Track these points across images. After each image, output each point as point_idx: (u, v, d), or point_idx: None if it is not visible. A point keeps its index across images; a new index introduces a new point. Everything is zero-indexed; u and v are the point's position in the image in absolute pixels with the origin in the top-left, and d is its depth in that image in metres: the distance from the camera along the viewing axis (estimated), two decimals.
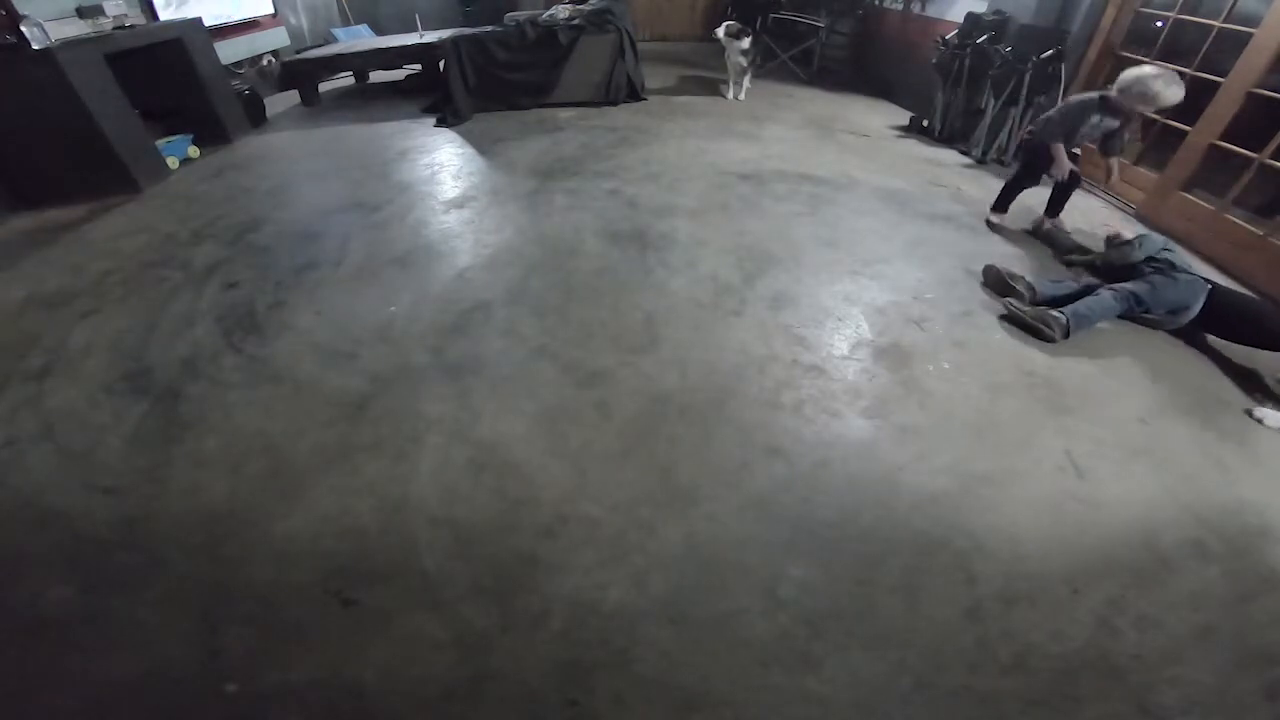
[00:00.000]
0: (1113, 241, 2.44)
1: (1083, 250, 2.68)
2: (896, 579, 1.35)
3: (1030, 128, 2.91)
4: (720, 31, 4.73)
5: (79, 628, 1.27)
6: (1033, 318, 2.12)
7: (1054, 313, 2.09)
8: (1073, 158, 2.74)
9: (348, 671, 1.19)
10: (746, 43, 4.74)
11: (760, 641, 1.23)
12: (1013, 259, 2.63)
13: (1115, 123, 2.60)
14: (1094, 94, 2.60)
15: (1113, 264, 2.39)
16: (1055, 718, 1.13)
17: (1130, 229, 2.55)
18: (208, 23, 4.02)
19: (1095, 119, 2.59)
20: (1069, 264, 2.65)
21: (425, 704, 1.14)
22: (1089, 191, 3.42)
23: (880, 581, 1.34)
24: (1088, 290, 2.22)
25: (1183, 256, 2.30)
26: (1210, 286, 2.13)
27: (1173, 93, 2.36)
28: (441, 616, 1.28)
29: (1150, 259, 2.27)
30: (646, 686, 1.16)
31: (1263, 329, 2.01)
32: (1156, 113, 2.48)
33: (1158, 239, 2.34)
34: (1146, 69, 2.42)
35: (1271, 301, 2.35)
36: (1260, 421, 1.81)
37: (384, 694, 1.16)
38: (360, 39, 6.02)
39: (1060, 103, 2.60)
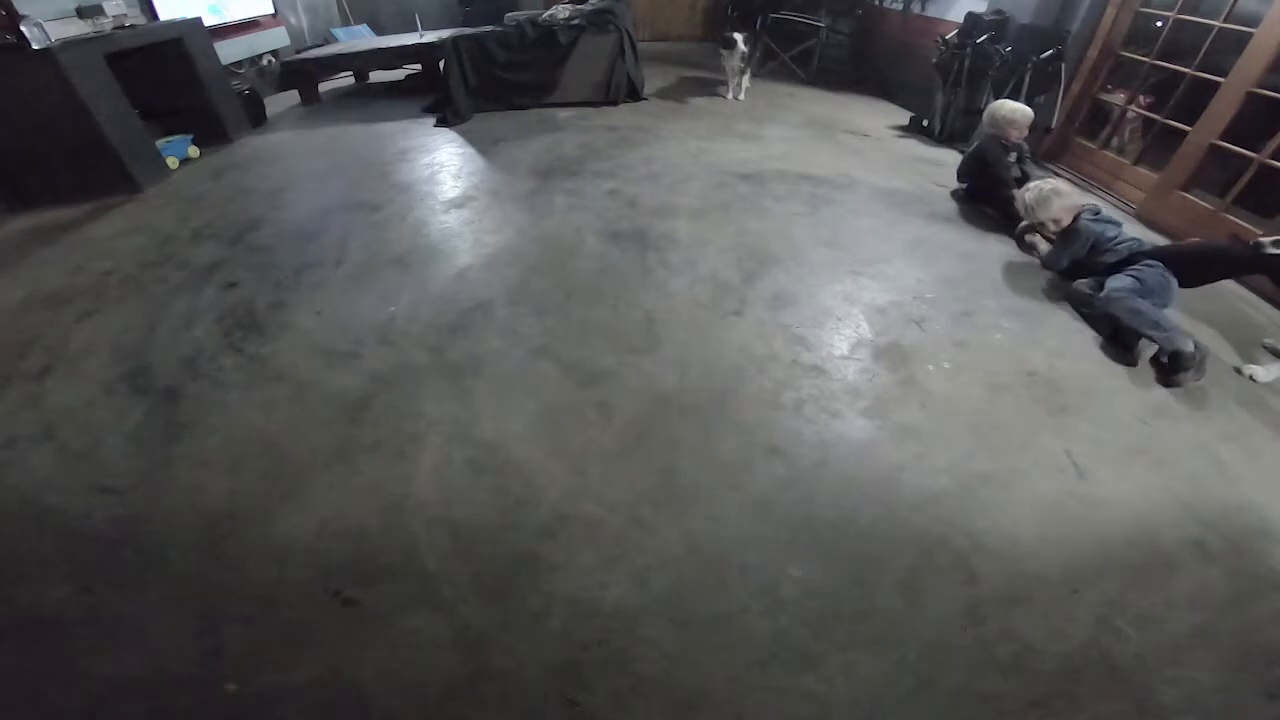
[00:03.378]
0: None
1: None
2: (896, 579, 1.35)
3: (961, 188, 3.27)
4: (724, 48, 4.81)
5: (79, 628, 1.27)
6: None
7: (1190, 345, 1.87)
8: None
9: (348, 671, 1.19)
10: (738, 50, 4.74)
11: (760, 641, 1.23)
12: (1013, 257, 2.63)
13: (1015, 156, 3.05)
14: (985, 137, 3.06)
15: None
16: (1055, 718, 1.13)
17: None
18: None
19: (1009, 158, 3.02)
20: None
21: (425, 704, 1.14)
22: (1089, 191, 3.42)
23: (880, 581, 1.34)
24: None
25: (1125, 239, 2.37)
26: (1157, 254, 2.23)
27: (1022, 111, 2.97)
28: (441, 616, 1.28)
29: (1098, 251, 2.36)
30: (646, 686, 1.16)
31: (1213, 260, 2.18)
32: (1017, 133, 3.01)
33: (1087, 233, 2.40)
34: (993, 102, 3.08)
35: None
36: (1251, 378, 1.91)
37: (384, 694, 1.16)
38: (360, 39, 6.02)
39: (982, 161, 3.03)
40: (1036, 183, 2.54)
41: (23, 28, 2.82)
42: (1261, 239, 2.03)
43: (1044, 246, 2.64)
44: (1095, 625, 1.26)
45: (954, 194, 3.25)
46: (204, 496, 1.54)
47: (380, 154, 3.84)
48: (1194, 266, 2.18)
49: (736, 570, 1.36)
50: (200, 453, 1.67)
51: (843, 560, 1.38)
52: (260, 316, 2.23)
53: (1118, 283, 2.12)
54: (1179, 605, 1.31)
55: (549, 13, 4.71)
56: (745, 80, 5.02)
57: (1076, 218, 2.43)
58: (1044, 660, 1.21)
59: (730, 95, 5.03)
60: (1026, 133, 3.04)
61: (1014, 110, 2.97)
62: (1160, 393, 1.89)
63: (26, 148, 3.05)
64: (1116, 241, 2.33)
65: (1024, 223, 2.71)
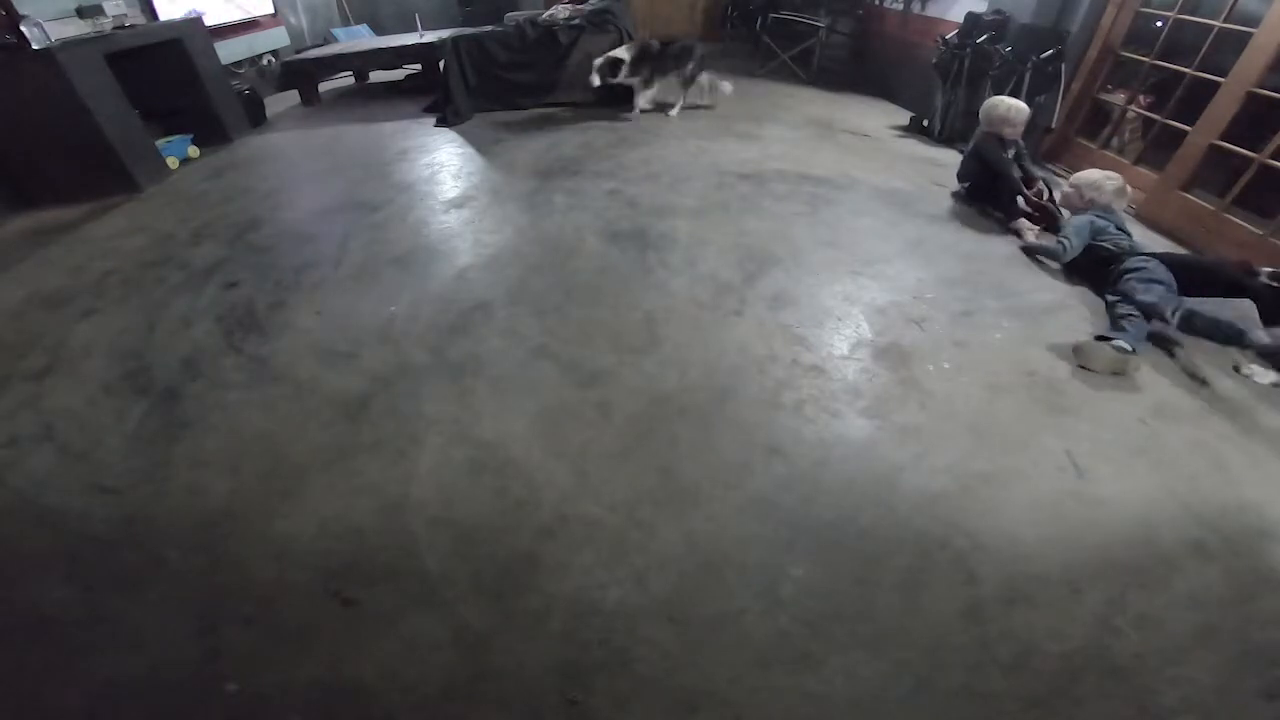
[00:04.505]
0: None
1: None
2: (896, 579, 1.35)
3: (962, 189, 3.27)
4: (595, 78, 4.13)
5: (79, 628, 1.27)
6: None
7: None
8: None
9: (348, 671, 1.19)
10: (623, 73, 4.18)
11: (760, 641, 1.23)
12: (1013, 260, 2.63)
13: (1013, 152, 3.01)
14: (981, 135, 3.05)
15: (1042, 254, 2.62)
16: (1055, 718, 1.13)
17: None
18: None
19: (1008, 154, 2.98)
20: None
21: (425, 704, 1.14)
22: None
23: (880, 581, 1.34)
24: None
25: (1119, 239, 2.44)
26: (1154, 255, 2.27)
27: (1018, 108, 2.95)
28: (441, 616, 1.28)
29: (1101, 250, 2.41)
30: (646, 686, 1.16)
31: (1206, 273, 2.22)
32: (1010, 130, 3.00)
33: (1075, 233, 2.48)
34: (989, 102, 3.05)
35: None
36: (1250, 378, 1.94)
37: (383, 694, 1.16)
38: (360, 39, 6.03)
39: (982, 159, 3.01)
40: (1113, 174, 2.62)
41: (23, 28, 2.82)
42: (1262, 268, 2.06)
43: (1031, 236, 2.72)
44: (1095, 625, 1.26)
45: (955, 195, 3.25)
46: (204, 496, 1.54)
47: (380, 154, 3.84)
48: (1186, 275, 2.20)
49: (736, 570, 1.36)
50: (200, 453, 1.67)
51: (843, 560, 1.38)
52: (260, 316, 2.23)
53: (1148, 296, 2.08)
54: (1179, 605, 1.30)
55: (549, 13, 4.71)
56: (650, 94, 4.49)
57: (1090, 204, 2.58)
58: (1044, 660, 1.21)
59: (634, 114, 4.37)
60: (1022, 130, 3.03)
61: (1009, 107, 2.95)
62: (1160, 393, 1.89)
63: (26, 148, 3.06)
64: (1117, 238, 2.40)
65: (1021, 219, 2.78)
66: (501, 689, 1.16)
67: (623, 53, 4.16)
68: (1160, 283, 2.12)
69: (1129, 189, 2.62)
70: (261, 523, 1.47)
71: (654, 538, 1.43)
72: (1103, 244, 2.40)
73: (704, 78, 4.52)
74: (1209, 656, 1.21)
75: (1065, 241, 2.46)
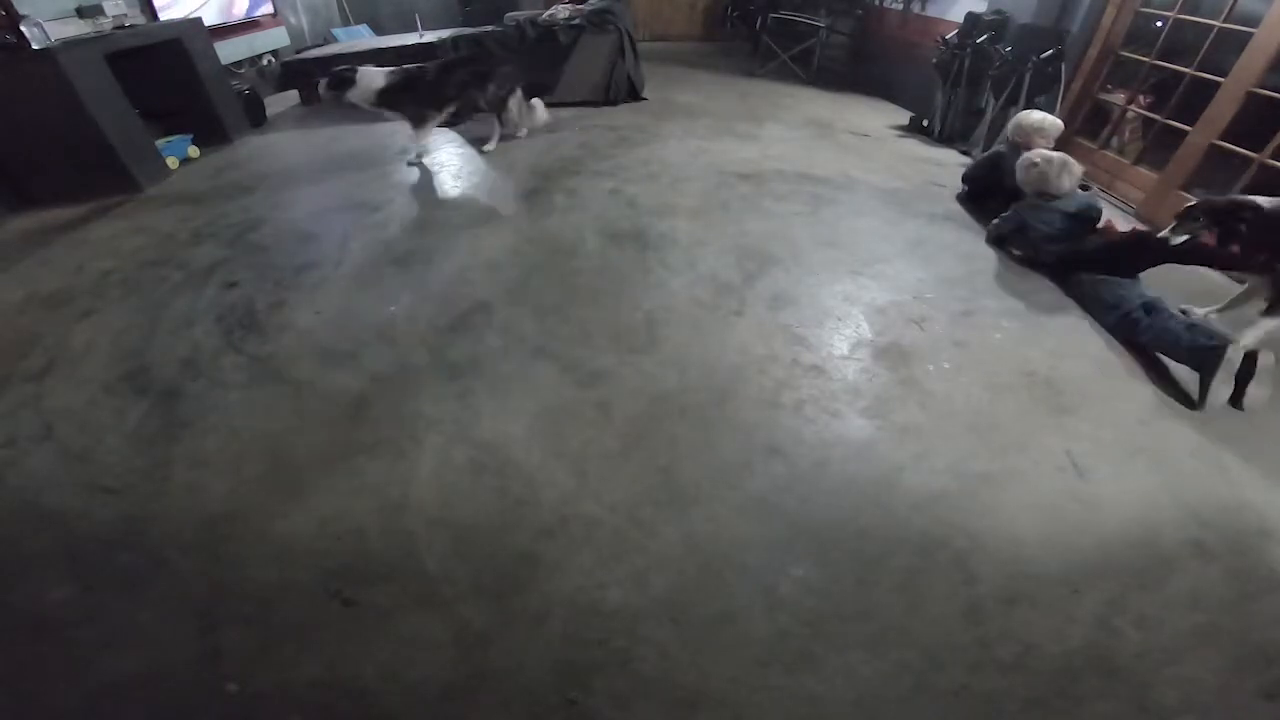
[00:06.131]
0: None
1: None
2: (896, 579, 1.35)
3: (963, 190, 3.26)
4: (320, 93, 3.42)
5: (79, 628, 1.27)
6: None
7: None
8: None
9: (348, 671, 1.19)
10: (366, 99, 3.36)
11: (760, 641, 1.23)
12: (1012, 261, 2.64)
13: None
14: (1009, 145, 2.97)
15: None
16: (1055, 718, 1.13)
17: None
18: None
19: None
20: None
21: (425, 704, 1.14)
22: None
23: (880, 581, 1.34)
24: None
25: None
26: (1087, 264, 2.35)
27: (1052, 121, 2.90)
28: (441, 616, 1.28)
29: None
30: (646, 686, 1.16)
31: (1133, 251, 2.30)
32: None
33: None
34: (1021, 114, 3.01)
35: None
36: (1186, 314, 2.15)
37: (384, 694, 1.16)
38: (360, 39, 6.02)
39: (999, 169, 2.95)
40: (1065, 157, 2.56)
41: (23, 28, 2.82)
42: (1164, 233, 2.09)
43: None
44: (1095, 625, 1.26)
45: (957, 197, 3.24)
46: (204, 496, 1.54)
47: (380, 154, 3.84)
48: (1121, 259, 2.28)
49: (736, 570, 1.36)
50: (200, 453, 1.67)
51: (843, 560, 1.38)
52: (260, 316, 2.23)
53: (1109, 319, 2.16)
54: (1179, 605, 1.31)
55: (549, 13, 4.71)
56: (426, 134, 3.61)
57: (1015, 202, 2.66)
58: (1044, 660, 1.21)
59: (416, 155, 3.60)
60: (1053, 144, 2.91)
61: (1043, 119, 2.89)
62: (1159, 392, 1.89)
63: (26, 148, 3.05)
64: (1049, 239, 2.48)
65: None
66: (501, 689, 1.16)
67: (379, 78, 3.34)
68: (1109, 306, 2.15)
69: (1076, 167, 2.52)
70: (261, 523, 1.47)
71: (654, 538, 1.43)
72: (1049, 244, 2.46)
73: (514, 103, 3.81)
74: (1209, 656, 1.22)
75: (996, 222, 2.70)
